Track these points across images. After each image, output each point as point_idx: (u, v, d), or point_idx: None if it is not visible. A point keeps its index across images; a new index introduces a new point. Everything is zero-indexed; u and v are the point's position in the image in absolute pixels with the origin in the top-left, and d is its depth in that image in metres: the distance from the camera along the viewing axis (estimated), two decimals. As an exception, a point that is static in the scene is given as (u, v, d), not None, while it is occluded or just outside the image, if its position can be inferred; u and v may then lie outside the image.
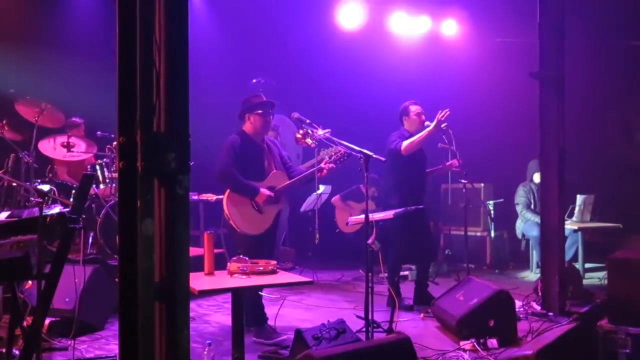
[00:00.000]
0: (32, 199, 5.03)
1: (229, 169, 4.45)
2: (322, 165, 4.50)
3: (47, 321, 3.98)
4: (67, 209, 3.03)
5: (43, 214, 2.89)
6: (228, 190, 4.50)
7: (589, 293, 5.40)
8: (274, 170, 4.64)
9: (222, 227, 4.69)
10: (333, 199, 7.72)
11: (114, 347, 4.03)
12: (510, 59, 7.83)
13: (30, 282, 3.95)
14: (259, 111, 4.60)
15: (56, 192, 5.28)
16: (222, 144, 4.60)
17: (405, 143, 5.22)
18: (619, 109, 8.77)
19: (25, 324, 3.24)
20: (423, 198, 5.42)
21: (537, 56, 5.04)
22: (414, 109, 5.46)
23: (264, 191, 4.48)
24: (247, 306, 4.28)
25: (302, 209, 7.38)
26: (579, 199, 7.12)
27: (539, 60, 5.03)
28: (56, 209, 3.07)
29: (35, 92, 5.90)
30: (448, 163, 5.71)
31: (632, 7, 7.61)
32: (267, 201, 4.50)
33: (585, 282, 6.08)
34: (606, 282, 4.95)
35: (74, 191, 5.42)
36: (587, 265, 6.92)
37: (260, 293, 4.52)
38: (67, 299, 4.17)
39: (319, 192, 6.46)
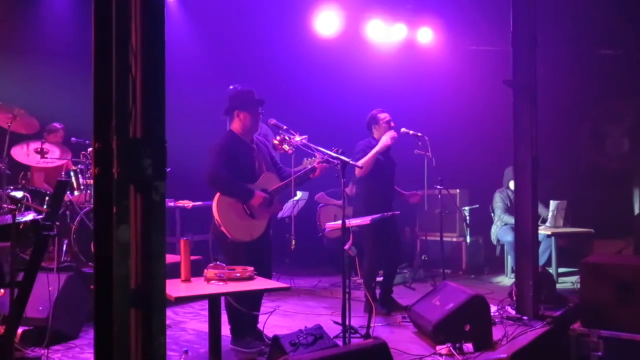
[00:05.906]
0: (5, 205, 4.95)
1: (220, 172, 4.20)
2: (315, 165, 4.32)
3: (19, 330, 3.91)
4: (40, 216, 3.00)
5: (16, 221, 2.86)
6: (218, 195, 4.22)
7: (562, 297, 5.49)
8: (265, 172, 4.40)
9: (211, 234, 4.37)
10: (317, 195, 7.51)
11: (88, 356, 3.98)
12: (485, 66, 7.96)
13: (2, 290, 3.89)
14: (252, 109, 4.37)
15: (29, 199, 5.20)
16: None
17: (361, 162, 5.08)
18: (591, 116, 8.94)
19: (-3, 333, 3.19)
20: (391, 204, 5.45)
21: (510, 64, 5.12)
22: (382, 116, 5.46)
23: (260, 193, 4.24)
24: (229, 315, 4.26)
25: (279, 215, 7.36)
26: (552, 204, 7.22)
27: (512, 69, 5.11)
28: (29, 216, 3.05)
29: (8, 97, 5.82)
30: (410, 194, 5.61)
31: (602, 17, 7.78)
32: (262, 204, 4.25)
33: (558, 286, 6.18)
34: (579, 286, 5.04)
35: (47, 198, 5.35)
36: (560, 270, 7.03)
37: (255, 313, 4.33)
38: (40, 308, 4.11)
39: (296, 198, 6.45)
